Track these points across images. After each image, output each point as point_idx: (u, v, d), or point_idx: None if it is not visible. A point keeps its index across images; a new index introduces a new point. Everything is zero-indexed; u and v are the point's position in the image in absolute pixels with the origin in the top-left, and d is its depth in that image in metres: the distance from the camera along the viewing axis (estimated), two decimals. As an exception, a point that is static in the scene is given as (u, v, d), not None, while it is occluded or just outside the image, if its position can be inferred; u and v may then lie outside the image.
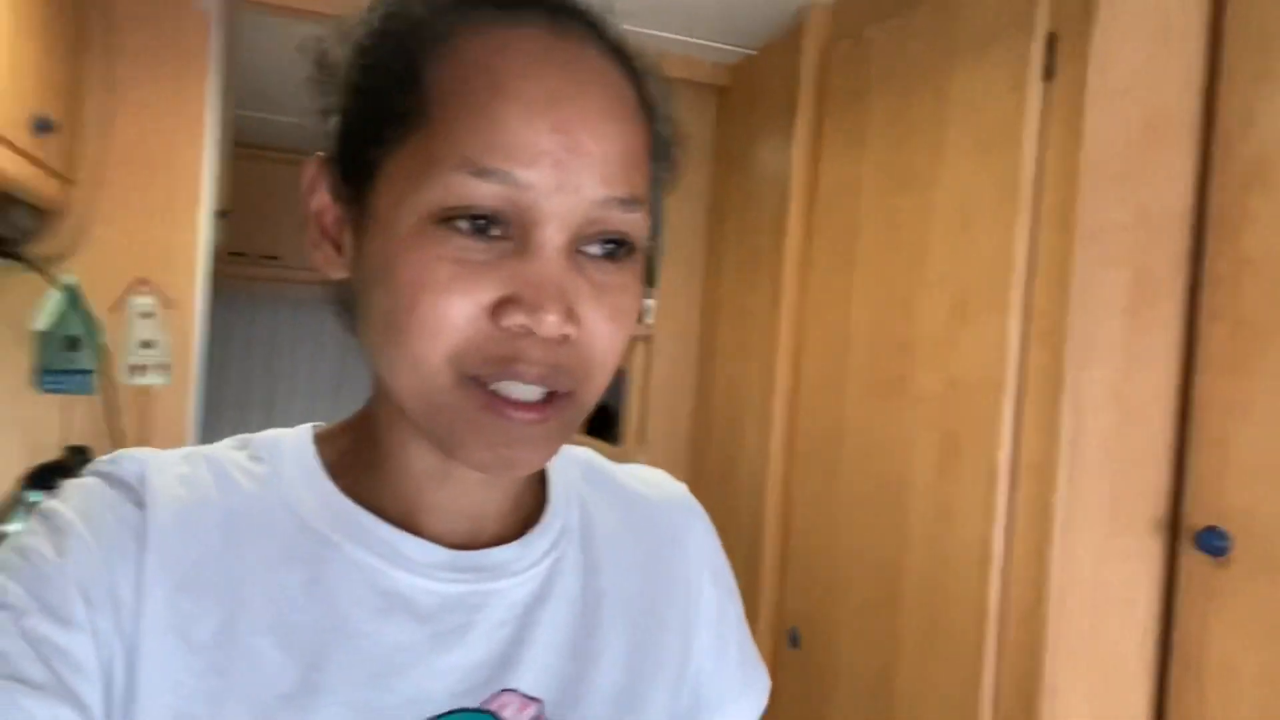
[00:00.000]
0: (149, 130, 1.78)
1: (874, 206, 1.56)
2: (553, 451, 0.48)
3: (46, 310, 1.71)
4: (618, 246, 0.46)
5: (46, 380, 1.72)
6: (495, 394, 0.44)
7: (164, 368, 1.80)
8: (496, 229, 0.44)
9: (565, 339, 0.44)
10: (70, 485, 0.48)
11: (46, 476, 1.64)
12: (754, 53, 2.03)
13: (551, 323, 0.43)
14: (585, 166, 0.43)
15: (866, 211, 1.58)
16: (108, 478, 0.47)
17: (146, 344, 1.78)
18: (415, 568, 0.49)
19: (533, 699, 0.50)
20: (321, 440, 0.53)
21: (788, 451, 1.79)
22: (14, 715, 0.39)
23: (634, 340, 2.31)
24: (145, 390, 1.79)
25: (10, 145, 1.35)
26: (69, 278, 1.73)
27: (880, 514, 1.48)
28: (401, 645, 0.48)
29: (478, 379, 0.44)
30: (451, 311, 0.43)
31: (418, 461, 0.50)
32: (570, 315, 0.44)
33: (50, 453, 1.71)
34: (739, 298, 2.04)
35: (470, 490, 0.51)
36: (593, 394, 0.48)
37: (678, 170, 0.53)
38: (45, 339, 1.71)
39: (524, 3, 0.46)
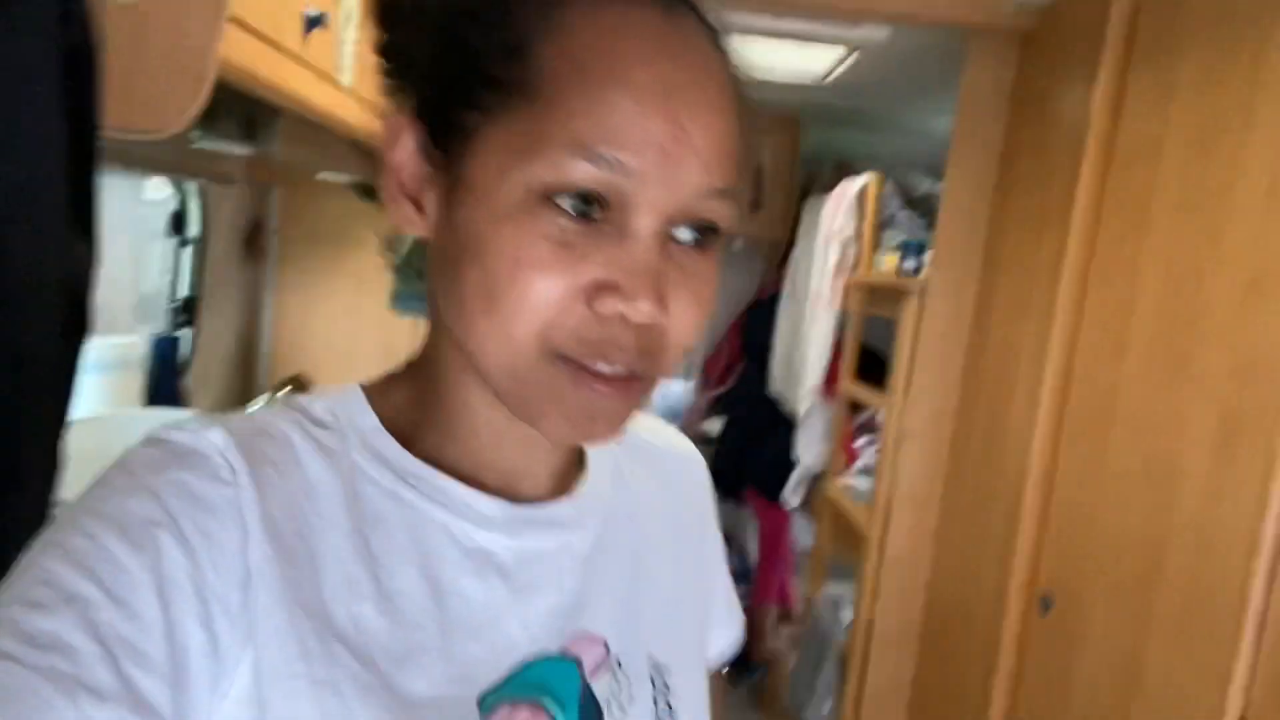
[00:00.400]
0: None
1: (1174, 169, 1.47)
2: (625, 426, 0.49)
3: (404, 246, 2.06)
4: (705, 233, 0.47)
5: (401, 303, 2.09)
6: (583, 367, 0.45)
7: (487, 296, 2.11)
8: (597, 211, 0.44)
9: (651, 327, 0.45)
10: (144, 461, 0.44)
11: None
12: (1061, -4, 1.92)
13: (645, 309, 0.44)
14: (690, 156, 0.44)
15: (1165, 173, 1.49)
16: (185, 452, 0.44)
17: (474, 275, 2.10)
18: (493, 524, 0.51)
19: (597, 639, 0.53)
20: (373, 397, 0.52)
21: (1056, 418, 1.75)
22: None
23: (911, 292, 2.31)
24: (471, 314, 2.12)
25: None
26: (418, 217, 2.07)
27: (1147, 490, 1.43)
28: (489, 600, 0.50)
29: (566, 357, 0.45)
30: (548, 291, 0.43)
31: (484, 420, 0.51)
32: (661, 302, 0.45)
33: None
34: (1021, 254, 1.98)
35: (533, 449, 0.53)
36: (665, 374, 0.49)
37: (752, 153, 0.53)
38: (402, 270, 2.07)
39: None
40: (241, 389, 2.03)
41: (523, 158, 0.43)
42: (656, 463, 0.65)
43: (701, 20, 0.47)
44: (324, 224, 2.12)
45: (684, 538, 0.65)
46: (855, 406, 2.94)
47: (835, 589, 2.80)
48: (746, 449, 3.57)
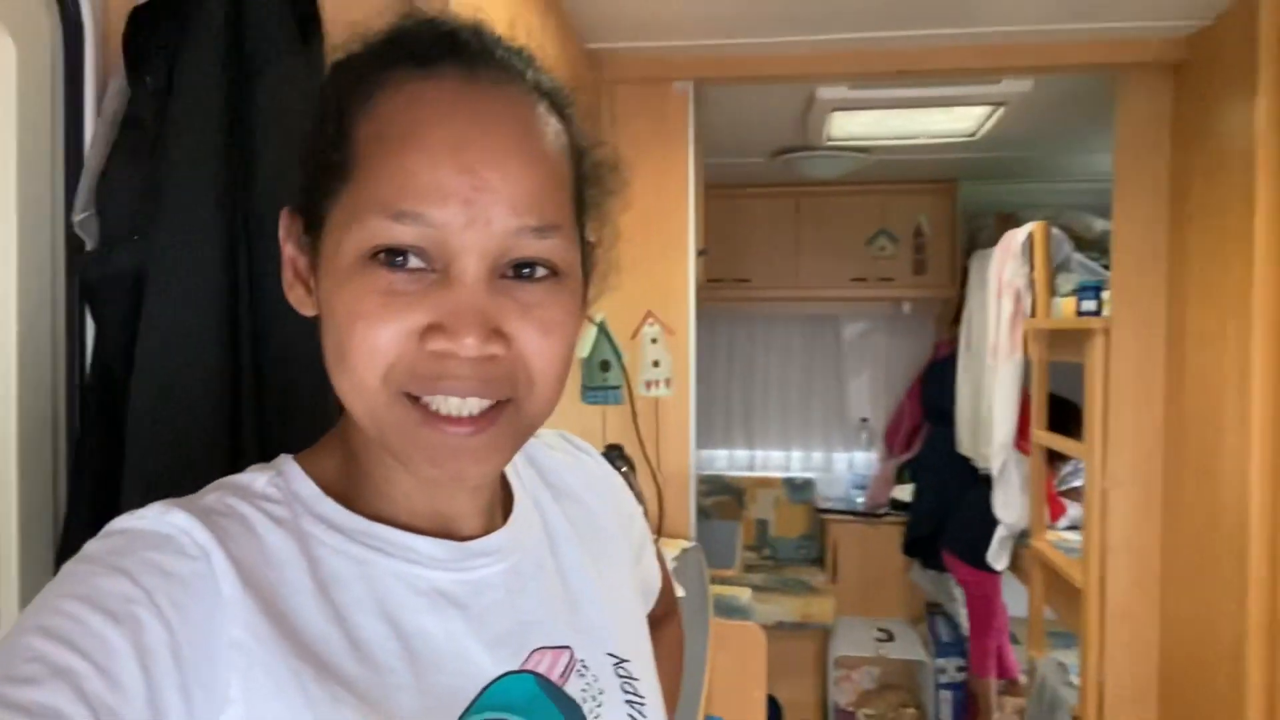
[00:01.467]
0: (647, 193, 2.24)
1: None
2: (500, 462, 0.51)
3: (586, 342, 2.25)
4: (538, 270, 0.49)
5: (588, 395, 2.25)
6: (430, 410, 0.47)
7: (668, 382, 2.24)
8: (420, 262, 0.47)
9: (493, 358, 0.48)
10: (110, 548, 0.46)
11: (594, 468, 2.16)
12: (1209, 23, 1.90)
13: (469, 344, 0.46)
14: (494, 201, 0.47)
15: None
16: (150, 535, 0.47)
17: (655, 364, 2.24)
18: (440, 564, 0.54)
19: (561, 648, 0.57)
20: (306, 467, 0.55)
21: (1273, 442, 1.66)
22: None
23: (1095, 332, 2.26)
24: (655, 400, 2.25)
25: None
26: (600, 315, 2.25)
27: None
28: (450, 633, 0.53)
29: (410, 395, 0.48)
30: (383, 337, 0.47)
31: (405, 474, 0.54)
32: (493, 336, 0.47)
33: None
34: (1208, 280, 1.92)
35: (457, 492, 0.56)
36: (538, 403, 0.51)
37: (615, 192, 0.58)
38: (586, 364, 2.25)
39: (439, 57, 0.49)
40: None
41: (348, 228, 0.48)
42: (566, 479, 0.69)
43: (512, 74, 0.51)
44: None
45: (607, 538, 0.69)
46: (1056, 457, 2.84)
47: (1060, 653, 2.66)
48: (942, 513, 3.48)
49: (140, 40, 0.96)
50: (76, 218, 0.97)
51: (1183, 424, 2.03)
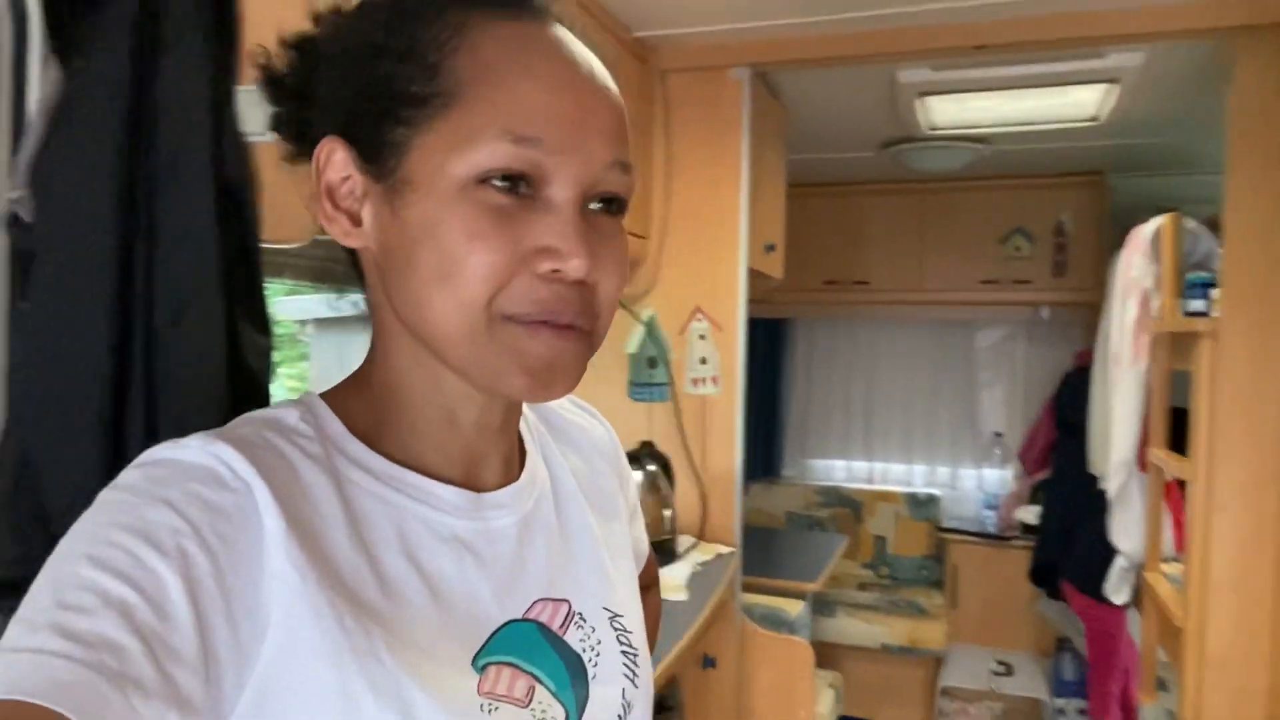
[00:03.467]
0: (697, 186, 2.18)
1: None
2: (576, 381, 0.53)
3: (633, 338, 2.21)
4: (612, 203, 0.54)
5: (634, 391, 2.21)
6: (534, 321, 0.50)
7: (715, 380, 2.16)
8: (524, 188, 0.50)
9: (584, 283, 0.51)
10: (153, 478, 0.47)
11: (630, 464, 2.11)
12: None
13: (578, 265, 0.50)
14: (596, 133, 0.51)
15: None
16: (192, 467, 0.48)
17: (702, 361, 2.17)
18: (460, 512, 0.57)
19: (561, 600, 0.60)
20: (334, 407, 0.57)
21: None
22: (128, 718, 0.39)
23: (1202, 335, 1.97)
24: (701, 397, 2.18)
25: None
26: (648, 311, 2.20)
27: None
28: (465, 578, 0.56)
29: (515, 318, 0.50)
30: (496, 258, 0.49)
31: (442, 412, 0.57)
32: (593, 259, 0.51)
33: (631, 446, 2.19)
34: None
35: (485, 433, 0.59)
36: (599, 335, 0.54)
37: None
38: (634, 360, 2.21)
39: (516, 2, 0.53)
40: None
41: (458, 150, 0.49)
42: (575, 438, 0.73)
43: (573, 27, 0.55)
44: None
45: (608, 499, 0.72)
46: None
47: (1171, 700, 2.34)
48: (1068, 538, 3.15)
49: (67, 21, 1.02)
50: (12, 195, 1.04)
51: (1300, 443, 1.74)
